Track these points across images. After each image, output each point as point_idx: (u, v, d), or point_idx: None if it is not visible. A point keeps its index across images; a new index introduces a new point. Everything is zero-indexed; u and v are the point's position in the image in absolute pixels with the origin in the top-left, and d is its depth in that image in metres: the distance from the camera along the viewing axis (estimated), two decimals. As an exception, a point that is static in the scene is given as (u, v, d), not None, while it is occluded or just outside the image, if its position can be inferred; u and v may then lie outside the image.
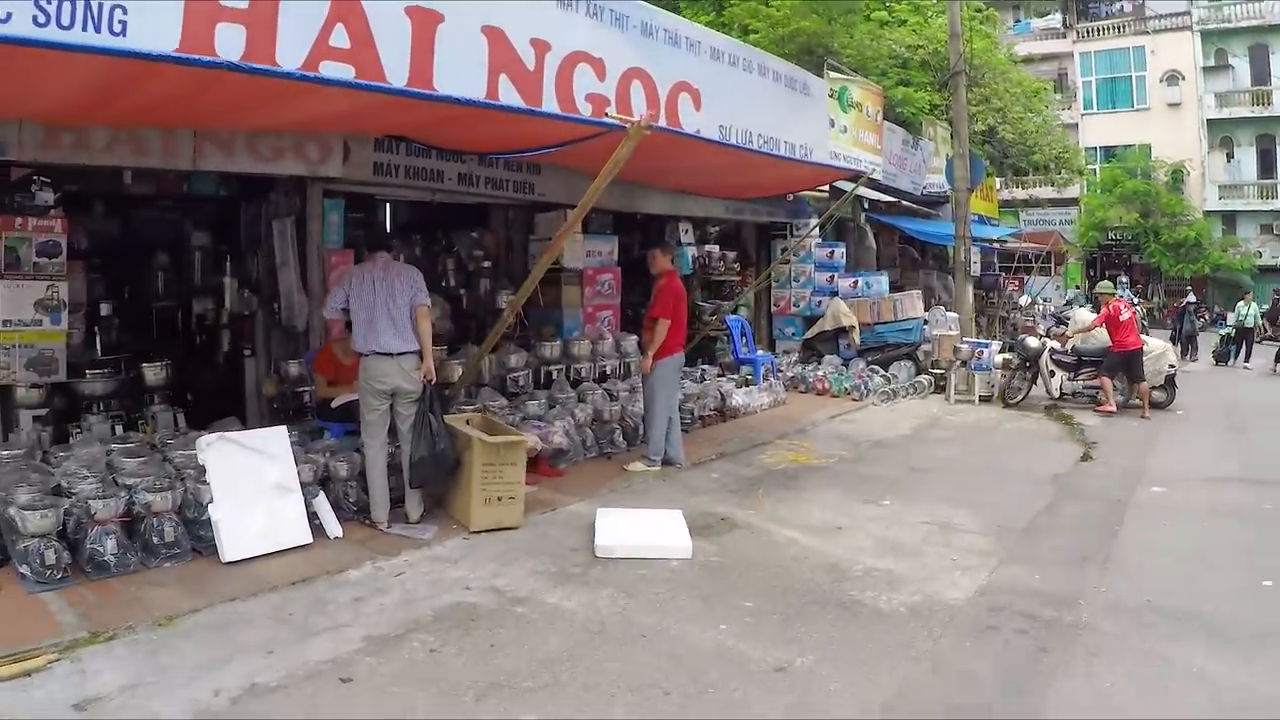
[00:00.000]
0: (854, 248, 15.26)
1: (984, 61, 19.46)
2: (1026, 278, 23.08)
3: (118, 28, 4.75)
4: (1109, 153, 33.99)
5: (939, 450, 8.96)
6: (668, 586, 4.93)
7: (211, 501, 5.06)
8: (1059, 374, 12.02)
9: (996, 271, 22.48)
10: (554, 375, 8.91)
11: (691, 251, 12.11)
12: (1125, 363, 11.27)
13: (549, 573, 5.10)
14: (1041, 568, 5.38)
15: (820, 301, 13.55)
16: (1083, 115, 34.68)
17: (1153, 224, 31.23)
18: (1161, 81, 33.02)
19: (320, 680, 3.75)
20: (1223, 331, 20.55)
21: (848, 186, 11.71)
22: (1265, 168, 32.21)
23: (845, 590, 4.93)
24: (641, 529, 5.67)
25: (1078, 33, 35.44)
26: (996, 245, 21.77)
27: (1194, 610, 4.72)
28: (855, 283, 13.68)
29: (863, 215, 15.92)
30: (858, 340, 12.91)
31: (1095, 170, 32.73)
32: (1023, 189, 29.48)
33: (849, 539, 5.89)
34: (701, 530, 5.89)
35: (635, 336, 9.62)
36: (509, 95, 6.79)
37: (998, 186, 23.79)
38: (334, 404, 6.58)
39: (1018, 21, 36.76)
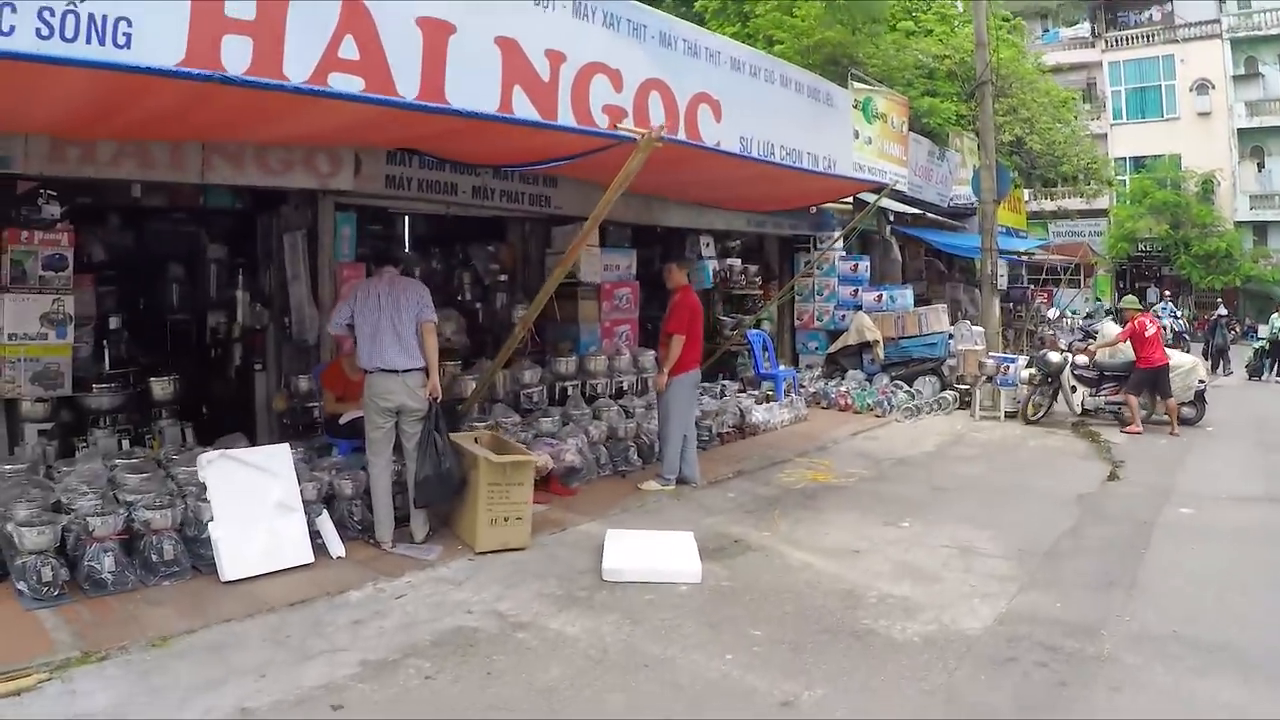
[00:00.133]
0: (879, 261, 15.06)
1: (1011, 71, 19.29)
2: (1055, 290, 22.74)
3: (122, 40, 4.70)
4: (1138, 163, 33.61)
5: (962, 468, 8.75)
6: (675, 612, 4.78)
7: (211, 520, 4.98)
8: (1080, 389, 11.73)
9: (1025, 284, 22.17)
10: (569, 391, 8.78)
11: (713, 265, 11.99)
12: (1151, 379, 10.91)
13: (554, 596, 4.98)
14: (1064, 594, 5.18)
15: (844, 315, 13.34)
16: (1112, 125, 34.32)
17: (1183, 235, 30.80)
18: (1191, 90, 32.63)
19: (311, 707, 3.65)
20: (1255, 345, 20.13)
21: (871, 199, 11.57)
22: (1296, 177, 31.71)
23: (858, 618, 4.76)
24: (651, 551, 5.51)
25: (1106, 42, 35.07)
26: (1024, 257, 21.49)
27: (1222, 640, 4.51)
28: (880, 296, 13.44)
29: (888, 228, 15.74)
30: (882, 355, 12.68)
31: (1124, 181, 32.34)
32: (1051, 200, 29.23)
33: (865, 563, 5.71)
34: (713, 552, 5.75)
35: (653, 351, 9.44)
36: (523, 108, 6.70)
37: (1026, 198, 23.51)
38: (342, 420, 6.50)
39: (1046, 31, 36.45)
